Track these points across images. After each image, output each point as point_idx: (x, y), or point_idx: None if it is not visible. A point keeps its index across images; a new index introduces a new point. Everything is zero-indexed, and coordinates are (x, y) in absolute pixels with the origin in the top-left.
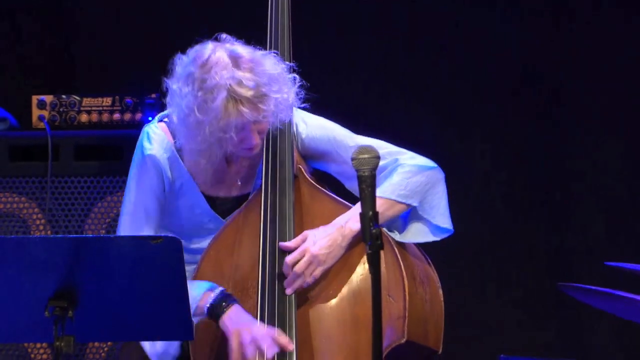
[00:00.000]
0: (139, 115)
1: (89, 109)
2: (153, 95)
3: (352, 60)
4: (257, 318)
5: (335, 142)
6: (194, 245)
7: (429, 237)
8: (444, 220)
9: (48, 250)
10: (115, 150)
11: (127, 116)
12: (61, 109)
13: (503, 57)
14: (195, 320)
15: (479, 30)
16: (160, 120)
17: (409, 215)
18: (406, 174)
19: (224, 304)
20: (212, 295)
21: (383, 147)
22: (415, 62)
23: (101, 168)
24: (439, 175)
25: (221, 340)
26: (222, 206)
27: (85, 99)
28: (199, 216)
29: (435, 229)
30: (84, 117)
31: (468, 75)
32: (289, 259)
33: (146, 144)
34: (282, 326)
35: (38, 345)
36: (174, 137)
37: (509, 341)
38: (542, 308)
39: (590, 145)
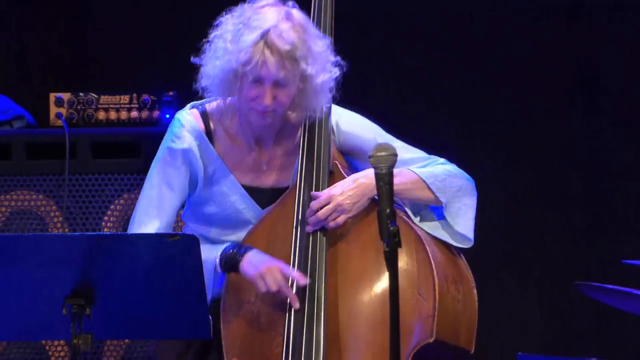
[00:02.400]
0: (156, 113)
1: (107, 106)
2: (170, 93)
3: (368, 61)
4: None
5: (375, 142)
6: (228, 238)
7: (446, 238)
8: (466, 229)
9: (65, 248)
10: (132, 148)
11: (145, 114)
12: (79, 107)
13: (515, 59)
14: (216, 284)
15: (498, 30)
16: (193, 107)
17: (441, 214)
18: (448, 171)
19: (240, 251)
20: (225, 246)
21: (425, 155)
22: (435, 65)
23: (119, 166)
24: (473, 191)
25: (251, 315)
26: (259, 196)
27: (102, 97)
28: (234, 203)
29: (456, 234)
30: (101, 115)
31: (476, 76)
32: (314, 203)
33: (176, 135)
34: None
35: (55, 342)
36: (205, 123)
37: (527, 339)
38: (559, 306)
39: (606, 143)
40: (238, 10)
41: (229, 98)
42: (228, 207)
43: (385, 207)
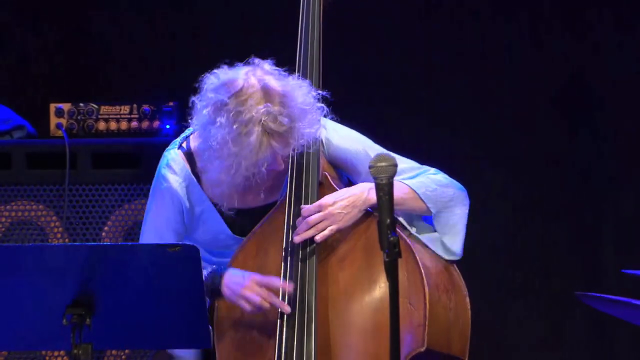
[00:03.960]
0: (156, 123)
1: (107, 116)
2: (170, 103)
3: (365, 75)
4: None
5: (365, 154)
6: (220, 259)
7: (439, 250)
8: (454, 241)
9: (66, 258)
10: (132, 158)
11: (145, 124)
12: (79, 117)
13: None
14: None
15: (500, 45)
16: (179, 147)
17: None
18: (438, 181)
19: (216, 279)
20: (206, 271)
21: (416, 165)
22: (434, 77)
23: (119, 176)
24: (465, 200)
25: (243, 328)
26: (249, 218)
27: (103, 107)
28: (223, 240)
29: (444, 246)
30: (101, 125)
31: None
32: (305, 210)
33: (165, 175)
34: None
35: (56, 353)
36: (190, 163)
37: (527, 349)
38: (559, 317)
39: (607, 153)
40: (213, 97)
41: None
42: (217, 242)
43: (386, 217)
